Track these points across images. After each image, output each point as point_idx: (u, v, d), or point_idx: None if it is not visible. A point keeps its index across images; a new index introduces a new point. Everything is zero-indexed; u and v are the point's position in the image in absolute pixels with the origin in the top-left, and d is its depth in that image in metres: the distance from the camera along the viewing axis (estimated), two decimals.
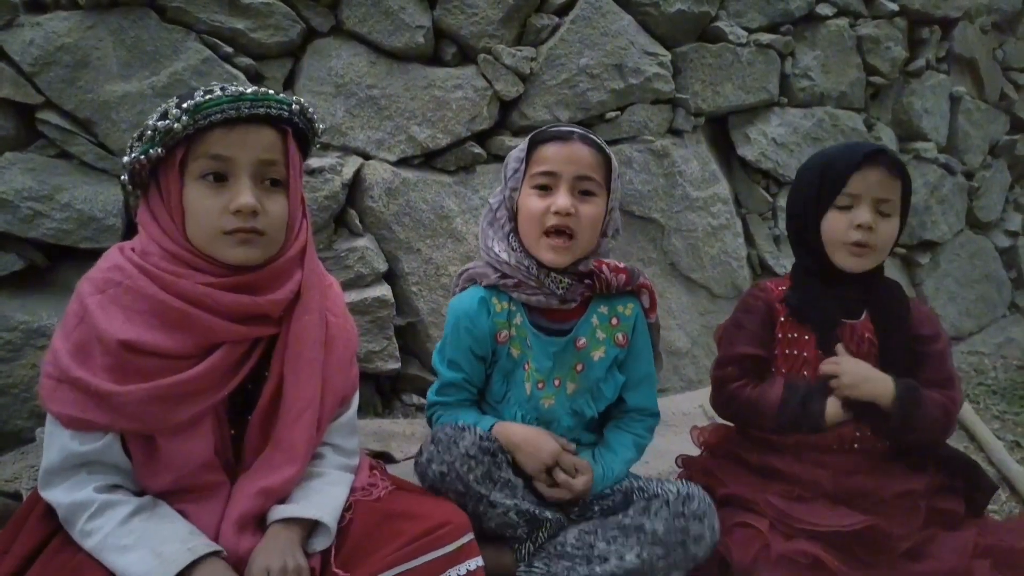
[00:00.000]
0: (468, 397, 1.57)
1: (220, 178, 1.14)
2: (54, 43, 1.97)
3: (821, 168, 1.58)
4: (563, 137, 1.49)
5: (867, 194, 1.51)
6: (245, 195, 1.13)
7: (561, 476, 1.47)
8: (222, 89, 1.13)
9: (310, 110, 1.22)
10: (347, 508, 1.23)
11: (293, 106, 1.18)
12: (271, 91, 1.16)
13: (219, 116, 1.11)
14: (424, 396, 2.46)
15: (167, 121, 1.10)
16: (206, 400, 1.14)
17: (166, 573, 1.02)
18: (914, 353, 1.56)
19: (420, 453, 1.41)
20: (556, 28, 2.60)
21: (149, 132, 1.11)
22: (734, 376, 1.61)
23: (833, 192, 1.54)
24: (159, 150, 1.11)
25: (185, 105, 1.10)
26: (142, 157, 1.12)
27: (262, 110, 1.14)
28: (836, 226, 1.54)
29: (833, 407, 1.52)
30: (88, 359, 1.10)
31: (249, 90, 1.14)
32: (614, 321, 1.57)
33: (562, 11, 2.62)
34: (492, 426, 1.49)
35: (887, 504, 1.47)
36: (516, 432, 1.48)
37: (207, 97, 1.10)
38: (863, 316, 1.58)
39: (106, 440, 1.11)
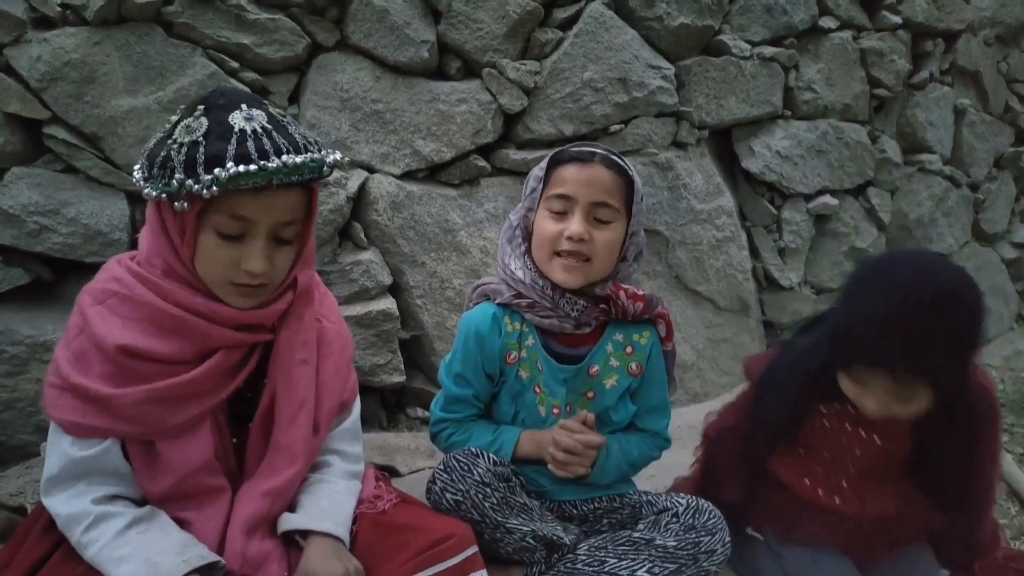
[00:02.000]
0: (475, 412, 1.55)
1: (238, 233, 1.12)
2: (61, 59, 1.98)
3: (845, 330, 1.32)
4: (584, 159, 1.43)
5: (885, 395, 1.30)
6: (257, 261, 1.12)
7: (573, 426, 1.41)
8: (257, 149, 1.06)
9: (341, 162, 1.17)
10: (353, 520, 1.23)
11: (324, 169, 1.14)
12: (305, 159, 1.10)
13: (250, 186, 1.07)
14: (428, 410, 2.46)
15: (196, 184, 1.05)
16: (203, 403, 1.15)
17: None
18: (962, 450, 1.37)
19: (433, 481, 1.38)
20: (560, 42, 2.61)
21: (175, 183, 1.06)
22: (732, 446, 1.54)
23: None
24: (184, 204, 1.07)
25: (217, 173, 1.04)
26: (163, 196, 1.08)
27: (295, 179, 1.10)
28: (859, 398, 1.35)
29: None
30: (87, 367, 1.11)
31: (285, 160, 1.07)
32: (629, 349, 1.52)
33: (566, 25, 2.63)
34: (517, 441, 1.47)
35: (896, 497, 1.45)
36: (541, 436, 1.46)
37: (241, 169, 1.04)
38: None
39: (105, 445, 1.12)
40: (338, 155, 1.16)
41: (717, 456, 1.61)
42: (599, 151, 1.45)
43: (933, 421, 1.34)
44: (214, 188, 1.05)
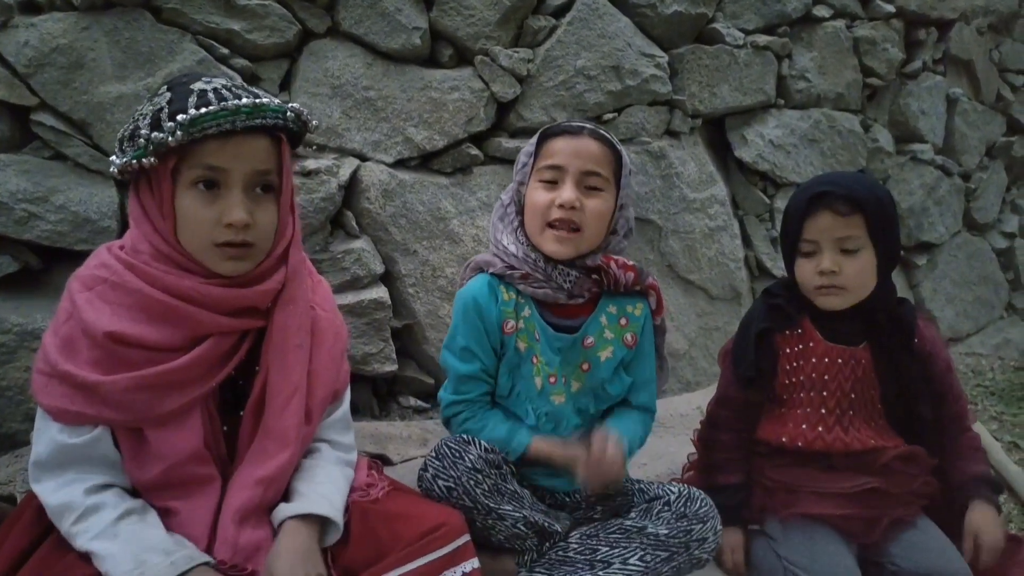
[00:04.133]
0: (487, 390, 1.53)
1: (212, 185, 1.14)
2: (49, 44, 1.96)
3: (784, 216, 1.60)
4: (572, 132, 1.48)
5: (824, 237, 1.50)
6: (237, 210, 1.13)
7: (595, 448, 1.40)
8: (217, 97, 1.11)
9: (304, 114, 1.22)
10: (345, 509, 1.22)
11: (288, 114, 1.18)
12: (266, 100, 1.15)
13: (214, 129, 1.10)
14: (421, 399, 2.46)
15: (161, 134, 1.09)
16: (193, 391, 1.15)
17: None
18: (927, 386, 1.56)
19: (424, 468, 1.39)
20: (553, 30, 2.59)
21: (142, 140, 1.10)
22: (724, 423, 1.65)
23: (794, 240, 1.55)
24: (152, 160, 1.11)
25: (180, 119, 1.08)
26: (133, 162, 1.12)
27: (258, 121, 1.13)
28: (803, 272, 1.55)
29: (731, 535, 1.56)
30: (75, 353, 1.11)
31: (244, 101, 1.12)
32: (623, 321, 1.55)
33: (559, 13, 2.62)
34: (528, 446, 1.46)
35: (887, 467, 1.53)
36: (555, 450, 1.46)
37: (202, 111, 1.09)
38: (862, 344, 1.57)
39: (96, 434, 1.11)
40: (303, 109, 1.21)
41: (712, 438, 1.67)
42: (587, 125, 1.51)
43: (889, 355, 1.54)
44: (178, 133, 1.08)
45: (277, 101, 1.17)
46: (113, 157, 1.16)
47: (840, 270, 1.49)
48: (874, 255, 1.51)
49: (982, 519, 1.49)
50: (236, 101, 1.11)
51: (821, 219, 1.50)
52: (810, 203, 1.50)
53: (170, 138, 1.08)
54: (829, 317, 1.57)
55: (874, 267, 1.51)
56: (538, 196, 1.47)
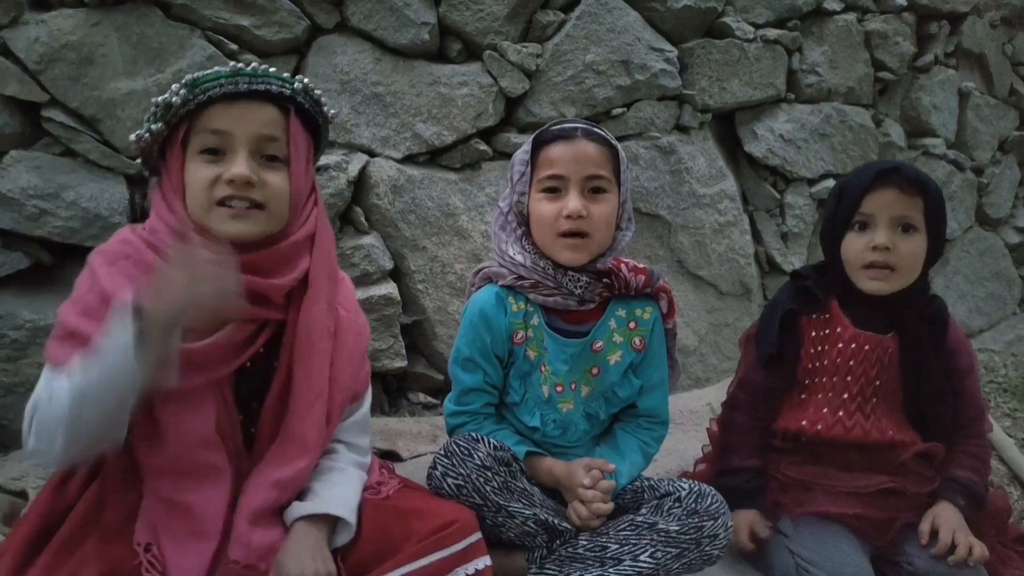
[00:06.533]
0: (490, 400, 1.53)
1: (218, 151, 1.15)
2: (59, 41, 1.96)
3: (838, 190, 1.59)
4: (567, 136, 1.45)
5: (883, 213, 1.50)
6: (239, 165, 1.14)
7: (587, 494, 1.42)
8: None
9: (315, 91, 1.23)
10: (357, 507, 1.22)
11: (296, 84, 1.19)
12: (273, 69, 1.18)
13: (218, 91, 1.13)
14: (430, 395, 2.46)
15: (167, 96, 1.12)
16: (206, 374, 1.14)
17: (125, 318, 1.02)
18: (948, 383, 1.56)
19: (434, 467, 1.38)
20: (562, 24, 2.58)
21: (152, 108, 1.15)
22: (742, 405, 1.66)
23: (849, 213, 1.53)
24: (160, 125, 1.14)
25: (185, 79, 1.13)
26: (147, 135, 1.15)
27: (262, 86, 1.15)
28: (853, 248, 1.54)
29: (742, 518, 1.55)
30: (94, 321, 1.08)
31: (249, 67, 1.16)
32: (632, 325, 1.54)
33: (568, 7, 2.61)
34: (526, 453, 1.47)
35: (904, 466, 1.54)
36: (555, 467, 1.47)
37: (208, 72, 1.13)
38: (890, 334, 1.57)
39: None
40: (313, 85, 1.23)
41: (730, 419, 1.68)
42: (579, 124, 1.48)
43: (917, 347, 1.53)
44: (183, 92, 1.12)
45: (286, 74, 1.20)
46: (131, 136, 1.19)
47: (894, 248, 1.49)
48: (926, 243, 1.52)
49: (937, 512, 1.49)
50: (241, 65, 1.17)
51: (885, 194, 1.50)
52: (876, 178, 1.51)
53: (174, 98, 1.11)
54: (858, 303, 1.56)
55: (924, 254, 1.52)
56: (543, 208, 1.45)
